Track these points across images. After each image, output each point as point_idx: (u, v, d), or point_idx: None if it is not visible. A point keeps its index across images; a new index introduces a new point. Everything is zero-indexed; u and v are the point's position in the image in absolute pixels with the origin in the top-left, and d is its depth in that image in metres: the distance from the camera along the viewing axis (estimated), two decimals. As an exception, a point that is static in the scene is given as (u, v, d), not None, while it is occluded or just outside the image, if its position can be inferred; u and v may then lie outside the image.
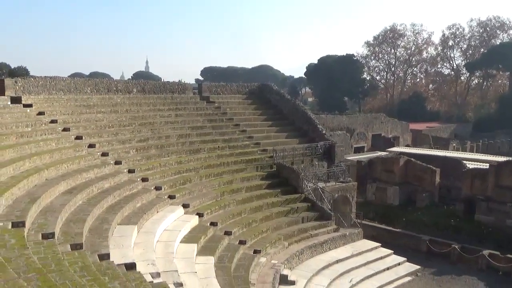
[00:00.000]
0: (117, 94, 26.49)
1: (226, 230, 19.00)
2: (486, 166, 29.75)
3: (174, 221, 17.38)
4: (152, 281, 10.72)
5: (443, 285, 22.17)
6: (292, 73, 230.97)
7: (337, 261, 21.90)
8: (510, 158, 29.87)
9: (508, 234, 25.92)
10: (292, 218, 23.27)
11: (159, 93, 28.83)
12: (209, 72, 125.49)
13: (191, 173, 22.72)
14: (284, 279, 18.34)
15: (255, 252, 18.60)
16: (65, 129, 20.34)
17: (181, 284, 11.76)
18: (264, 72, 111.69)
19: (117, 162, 19.92)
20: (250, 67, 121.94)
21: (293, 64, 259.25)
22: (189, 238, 16.62)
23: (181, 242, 15.99)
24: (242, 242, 18.77)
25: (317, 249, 22.18)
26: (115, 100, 25.83)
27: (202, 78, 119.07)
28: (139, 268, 11.22)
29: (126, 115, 24.91)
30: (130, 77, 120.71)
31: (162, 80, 50.52)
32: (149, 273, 11.39)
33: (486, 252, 24.08)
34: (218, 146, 26.46)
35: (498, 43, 78.62)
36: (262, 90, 34.79)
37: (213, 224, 18.77)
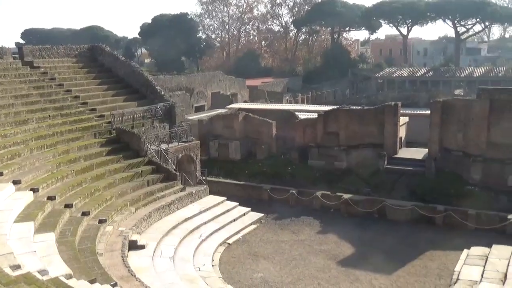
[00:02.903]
0: None
1: (66, 203, 17.90)
2: (315, 115, 32.37)
3: (4, 200, 15.78)
4: (-17, 269, 9.70)
5: (284, 228, 24.03)
6: (126, 33, 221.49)
7: (186, 220, 22.27)
8: (334, 107, 32.94)
9: (337, 175, 28.90)
10: (137, 183, 22.84)
11: (-30, 60, 25.35)
12: (31, 35, 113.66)
13: (20, 146, 20.71)
14: (133, 245, 18.09)
15: (101, 221, 17.93)
16: None
17: (19, 266, 10.85)
18: (95, 33, 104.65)
19: None
20: (78, 28, 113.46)
21: (126, 24, 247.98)
22: (24, 217, 15.29)
23: (15, 222, 14.64)
24: (85, 213, 17.90)
25: (165, 211, 22.23)
26: None
27: (24, 41, 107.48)
28: (-36, 256, 10.04)
29: None
30: None
31: (-26, 45, 44.41)
32: (-22, 260, 10.28)
33: (319, 193, 26.60)
34: (49, 115, 24.44)
35: (319, 1, 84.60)
36: (93, 52, 32.72)
37: (50, 198, 17.51)
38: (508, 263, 17.58)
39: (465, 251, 19.72)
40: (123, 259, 15.89)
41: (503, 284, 16.30)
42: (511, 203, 23.49)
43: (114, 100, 28.98)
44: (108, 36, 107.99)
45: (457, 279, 17.45)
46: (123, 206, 20.26)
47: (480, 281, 16.81)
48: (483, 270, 17.54)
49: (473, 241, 20.61)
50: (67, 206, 17.66)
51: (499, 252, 18.82)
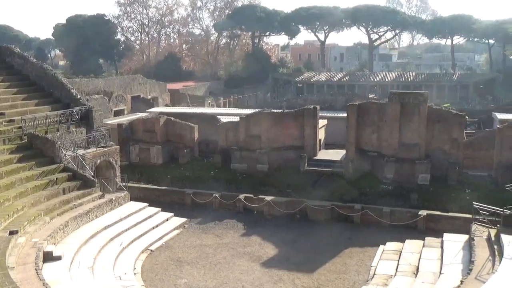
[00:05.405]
0: None
1: (-28, 214, 16.67)
2: (237, 119, 32.54)
3: None
4: None
5: (208, 232, 23.91)
6: (38, 34, 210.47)
7: (106, 228, 21.51)
8: (256, 110, 33.32)
9: (259, 178, 29.24)
10: (52, 191, 21.73)
11: None
12: None
13: None
14: (48, 256, 17.20)
15: (11, 233, 16.86)
16: None
17: None
18: (2, 33, 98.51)
19: None
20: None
21: (38, 24, 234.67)
22: None
23: None
24: (-7, 225, 16.76)
25: (83, 219, 21.32)
26: None
27: None
28: None
29: None
30: None
31: None
32: None
33: (242, 196, 26.76)
34: (-49, 120, 22.65)
35: (240, 5, 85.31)
36: (1, 53, 30.66)
37: (-47, 210, 16.22)
38: (420, 257, 18.70)
39: (381, 247, 20.74)
40: (37, 272, 15.08)
41: (416, 276, 17.29)
42: (421, 200, 25.01)
43: (24, 104, 27.34)
44: (17, 36, 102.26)
45: (374, 274, 18.30)
46: (37, 216, 19.18)
47: (395, 275, 17.73)
48: (398, 264, 18.53)
49: (388, 237, 21.75)
50: (-27, 218, 16.43)
51: (412, 247, 19.98)
